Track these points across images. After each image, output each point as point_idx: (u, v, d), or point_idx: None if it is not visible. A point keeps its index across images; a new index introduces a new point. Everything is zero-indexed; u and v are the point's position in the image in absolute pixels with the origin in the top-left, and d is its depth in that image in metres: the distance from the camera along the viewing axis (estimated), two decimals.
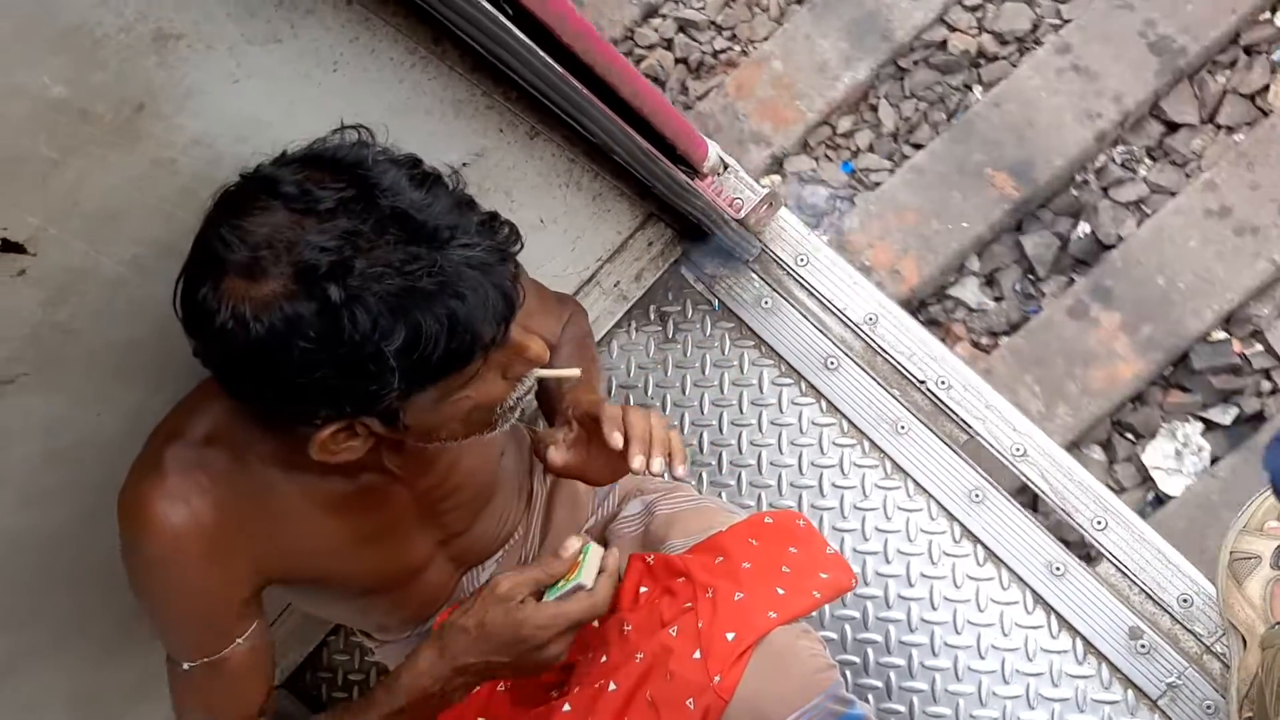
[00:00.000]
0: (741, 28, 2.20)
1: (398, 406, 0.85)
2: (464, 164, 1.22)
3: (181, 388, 0.98)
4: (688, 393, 1.60)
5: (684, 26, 2.21)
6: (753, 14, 2.21)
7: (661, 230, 1.64)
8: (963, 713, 1.40)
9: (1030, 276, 1.96)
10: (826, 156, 2.09)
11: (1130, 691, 1.37)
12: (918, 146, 2.03)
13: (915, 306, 1.96)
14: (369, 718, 1.03)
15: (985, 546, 1.44)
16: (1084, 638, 1.39)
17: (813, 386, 1.55)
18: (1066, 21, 2.03)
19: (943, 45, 2.07)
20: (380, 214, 0.79)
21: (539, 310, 1.20)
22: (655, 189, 1.38)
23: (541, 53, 1.06)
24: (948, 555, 1.45)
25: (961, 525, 1.46)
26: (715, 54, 2.20)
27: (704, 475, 1.57)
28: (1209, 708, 1.35)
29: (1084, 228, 1.95)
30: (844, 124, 2.08)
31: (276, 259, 0.78)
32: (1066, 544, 1.45)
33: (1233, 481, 1.78)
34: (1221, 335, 1.87)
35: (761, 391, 1.57)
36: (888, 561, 1.47)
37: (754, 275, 1.60)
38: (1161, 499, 1.81)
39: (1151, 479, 1.82)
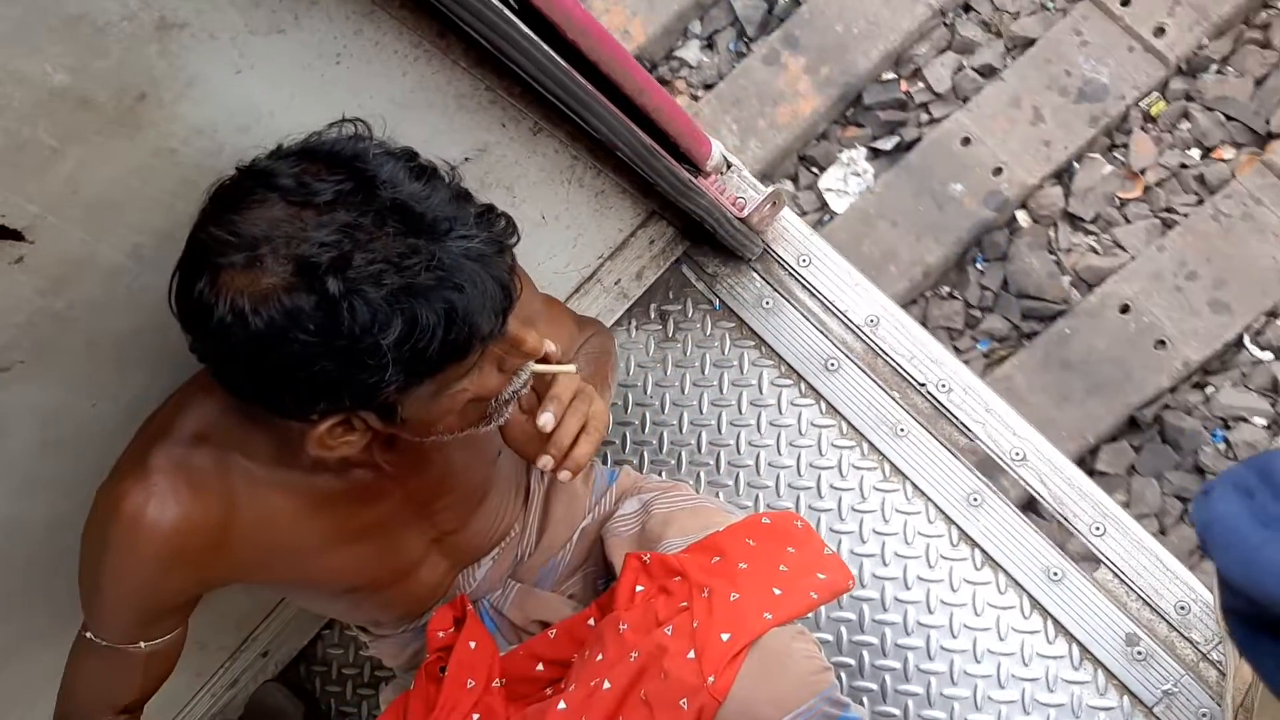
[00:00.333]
0: None
1: (395, 399, 0.85)
2: (466, 159, 1.22)
3: (179, 379, 0.98)
4: (687, 392, 1.60)
5: None
6: None
7: (663, 228, 1.63)
8: (957, 716, 1.40)
9: (743, 37, 2.28)
10: None
11: (1126, 698, 1.37)
12: None
13: (649, 68, 2.24)
14: None
15: (983, 551, 1.44)
16: (1080, 643, 1.39)
17: (812, 388, 1.54)
18: None
19: None
20: (379, 206, 0.79)
21: (549, 320, 1.19)
22: (658, 186, 1.38)
23: (546, 48, 1.06)
24: (945, 559, 1.45)
25: (960, 529, 1.45)
26: None
27: (702, 475, 1.57)
28: (1204, 715, 1.35)
29: None
30: None
31: (275, 252, 0.77)
32: (1064, 549, 1.44)
33: (886, 196, 2.09)
34: (891, 75, 2.19)
35: (761, 392, 1.56)
36: (885, 564, 1.47)
37: (755, 275, 1.60)
38: (831, 216, 2.14)
39: (825, 202, 2.16)
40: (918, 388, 1.51)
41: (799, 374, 1.55)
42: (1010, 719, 1.39)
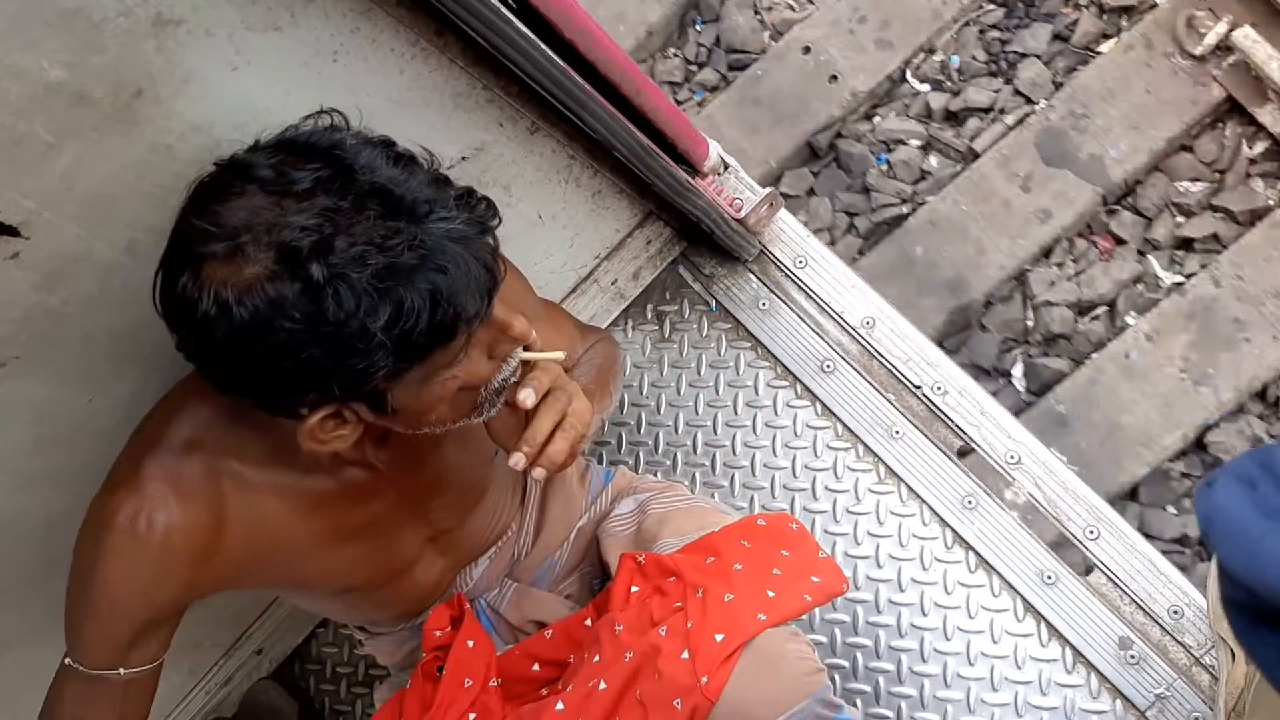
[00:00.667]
0: None
1: (385, 388, 0.85)
2: (463, 158, 1.22)
3: (174, 374, 0.98)
4: (683, 393, 1.60)
5: None
6: None
7: (660, 229, 1.63)
8: (950, 719, 1.40)
9: None
10: None
11: (1119, 701, 1.37)
12: None
13: None
14: None
15: (977, 553, 1.44)
16: (1073, 647, 1.39)
17: (808, 389, 1.54)
18: None
19: None
20: (359, 190, 0.79)
21: (550, 324, 1.18)
22: (655, 187, 1.38)
23: (544, 47, 1.06)
24: (939, 561, 1.45)
25: (954, 531, 1.45)
26: None
27: (697, 476, 1.57)
28: (1196, 719, 1.35)
29: None
30: None
31: (257, 241, 0.77)
32: (1058, 553, 1.45)
33: None
34: None
35: (757, 393, 1.57)
36: (879, 566, 1.47)
37: (752, 276, 1.60)
38: None
39: None
40: (913, 390, 1.51)
41: (795, 375, 1.55)
42: None
